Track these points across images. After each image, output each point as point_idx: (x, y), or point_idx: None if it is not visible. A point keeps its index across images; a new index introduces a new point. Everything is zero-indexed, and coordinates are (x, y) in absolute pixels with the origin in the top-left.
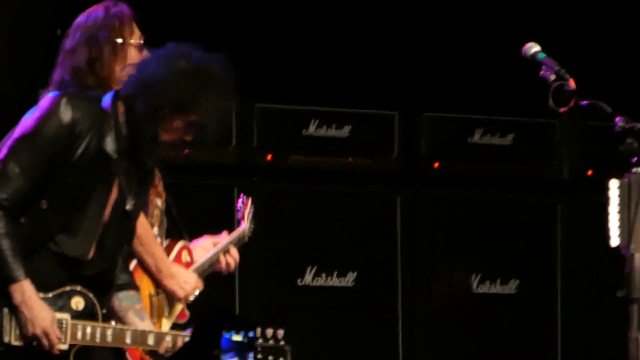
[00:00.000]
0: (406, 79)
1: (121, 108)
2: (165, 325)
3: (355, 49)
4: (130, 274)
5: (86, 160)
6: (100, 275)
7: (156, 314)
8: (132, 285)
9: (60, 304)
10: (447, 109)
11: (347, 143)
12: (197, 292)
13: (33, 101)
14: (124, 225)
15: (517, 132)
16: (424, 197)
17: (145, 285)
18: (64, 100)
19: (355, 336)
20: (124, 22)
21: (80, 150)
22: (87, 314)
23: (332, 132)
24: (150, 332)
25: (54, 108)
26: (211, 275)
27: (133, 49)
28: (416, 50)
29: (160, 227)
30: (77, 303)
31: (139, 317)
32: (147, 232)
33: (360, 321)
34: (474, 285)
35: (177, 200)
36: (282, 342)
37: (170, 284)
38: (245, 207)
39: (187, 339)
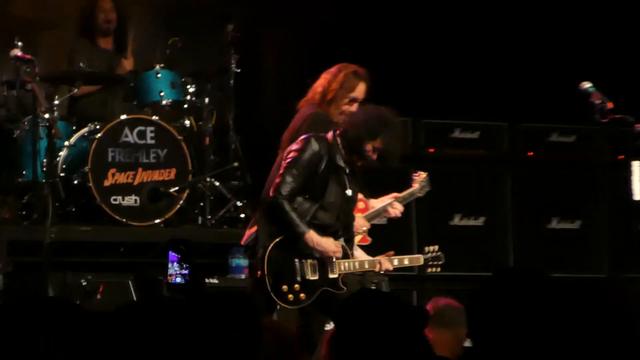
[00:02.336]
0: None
1: (338, 140)
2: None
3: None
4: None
5: (325, 170)
6: (341, 233)
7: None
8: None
9: None
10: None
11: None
12: (364, 229)
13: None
14: (349, 205)
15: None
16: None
17: None
18: (313, 139)
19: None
20: (353, 79)
21: (322, 166)
22: (344, 256)
23: (468, 135)
24: (373, 259)
25: (307, 144)
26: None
27: (346, 99)
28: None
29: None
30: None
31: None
32: None
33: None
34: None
35: (379, 180)
36: (438, 252)
37: None
38: (418, 177)
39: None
